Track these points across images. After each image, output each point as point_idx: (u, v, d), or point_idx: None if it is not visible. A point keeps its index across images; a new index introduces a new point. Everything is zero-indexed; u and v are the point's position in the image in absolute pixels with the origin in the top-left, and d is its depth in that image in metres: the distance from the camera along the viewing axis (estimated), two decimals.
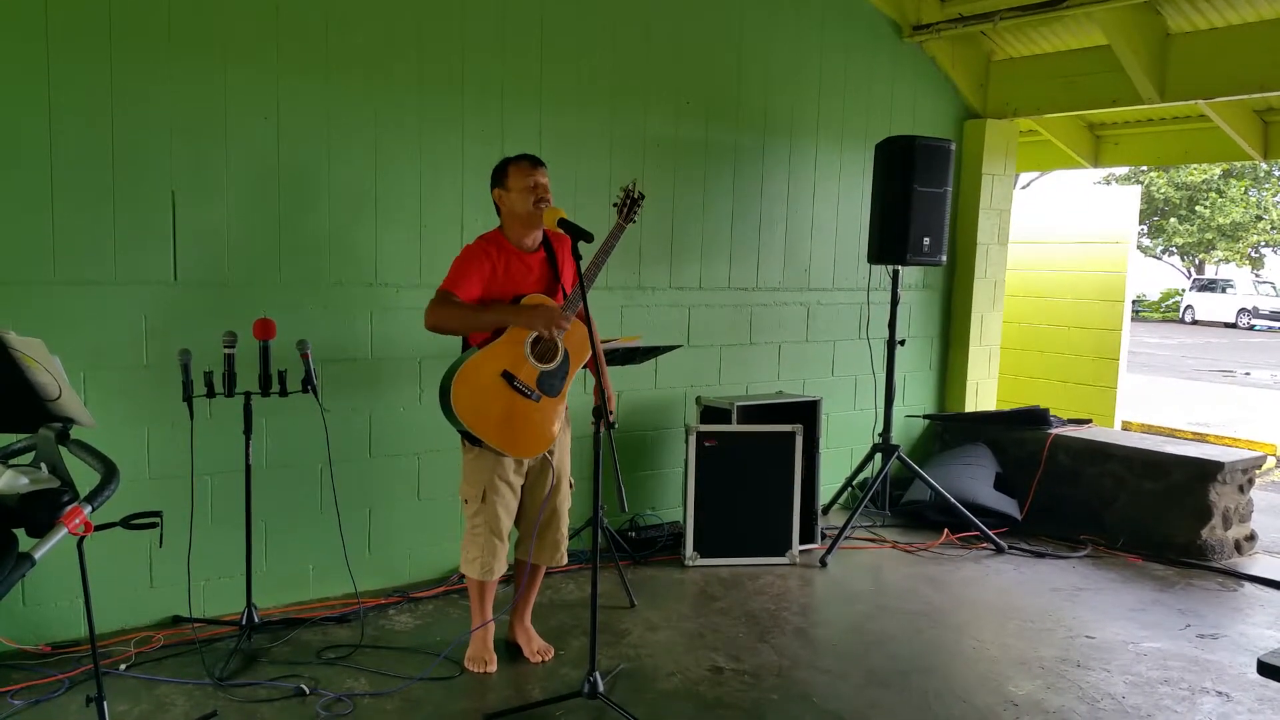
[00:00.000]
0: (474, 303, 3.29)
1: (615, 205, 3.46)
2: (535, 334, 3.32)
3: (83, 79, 3.45)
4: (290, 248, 3.93)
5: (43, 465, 2.14)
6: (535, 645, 3.66)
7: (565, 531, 3.63)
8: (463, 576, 3.57)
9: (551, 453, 3.50)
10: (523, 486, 3.50)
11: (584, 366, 3.52)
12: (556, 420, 3.44)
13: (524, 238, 3.41)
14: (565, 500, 3.61)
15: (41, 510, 1.97)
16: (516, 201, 3.37)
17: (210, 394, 3.47)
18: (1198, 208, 29.24)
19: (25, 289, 3.42)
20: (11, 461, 2.21)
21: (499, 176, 3.43)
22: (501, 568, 3.46)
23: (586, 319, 3.31)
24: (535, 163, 3.39)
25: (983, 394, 6.54)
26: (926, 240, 5.09)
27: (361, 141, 4.05)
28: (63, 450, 2.17)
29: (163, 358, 3.62)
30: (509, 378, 3.30)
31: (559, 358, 3.38)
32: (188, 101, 3.65)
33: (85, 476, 2.13)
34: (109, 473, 2.10)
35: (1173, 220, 30.13)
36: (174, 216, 3.66)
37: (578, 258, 3.19)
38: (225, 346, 3.48)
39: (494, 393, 3.28)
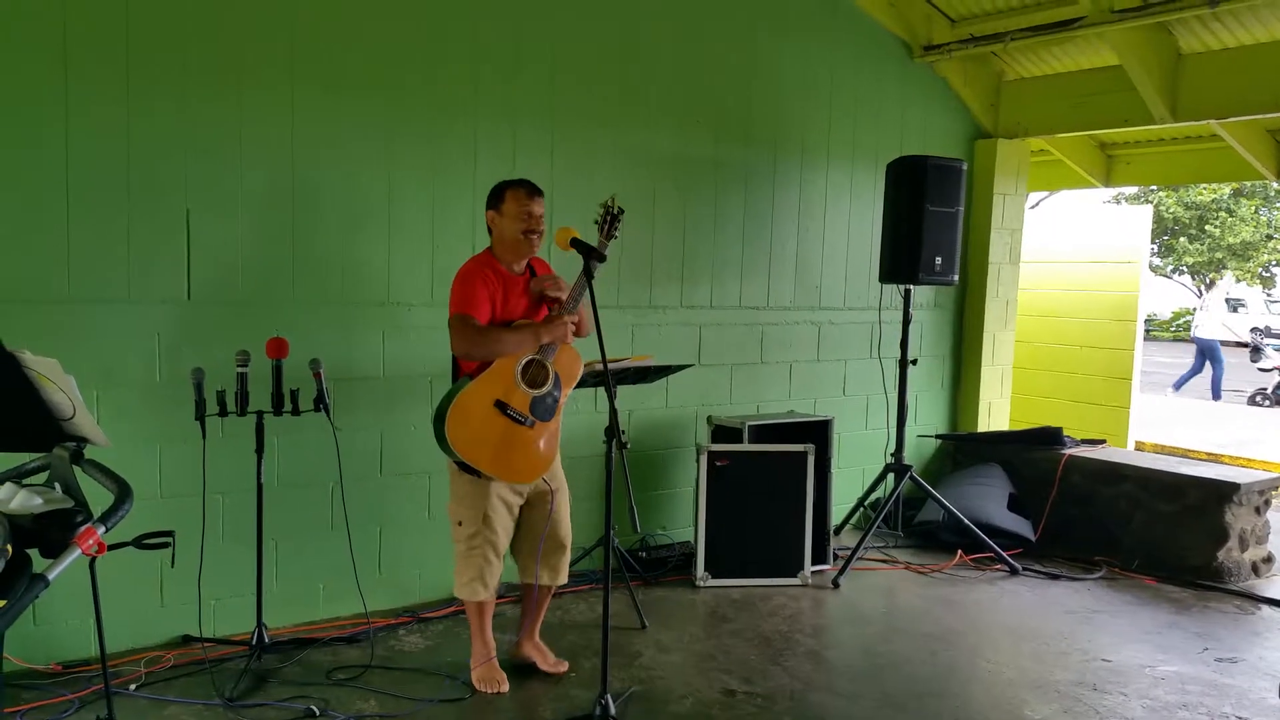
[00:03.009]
0: (491, 325, 3.31)
1: (596, 223, 3.43)
2: (525, 360, 3.32)
3: (100, 99, 3.47)
4: (303, 267, 3.94)
5: (57, 485, 2.14)
6: (550, 658, 3.66)
7: (567, 551, 3.62)
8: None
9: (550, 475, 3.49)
10: (521, 507, 3.49)
11: (594, 385, 3.51)
12: (552, 442, 3.42)
13: (513, 262, 3.44)
14: (565, 518, 3.59)
15: (55, 530, 1.97)
16: (508, 227, 3.39)
17: (223, 413, 3.47)
18: (1208, 227, 29.16)
19: (40, 308, 3.43)
20: (26, 481, 2.21)
21: (495, 199, 3.45)
22: (496, 586, 3.45)
23: (599, 339, 3.24)
24: (532, 192, 3.40)
25: (995, 414, 6.51)
26: (938, 260, 5.09)
27: (374, 160, 4.07)
28: (76, 470, 2.17)
29: (176, 376, 3.62)
30: (502, 406, 3.29)
31: (549, 381, 3.38)
32: (203, 121, 3.67)
33: (99, 496, 2.13)
34: (123, 493, 2.09)
35: (1183, 240, 30.05)
36: (188, 235, 3.68)
37: (589, 276, 3.20)
38: (238, 365, 3.48)
39: (488, 423, 3.27)
